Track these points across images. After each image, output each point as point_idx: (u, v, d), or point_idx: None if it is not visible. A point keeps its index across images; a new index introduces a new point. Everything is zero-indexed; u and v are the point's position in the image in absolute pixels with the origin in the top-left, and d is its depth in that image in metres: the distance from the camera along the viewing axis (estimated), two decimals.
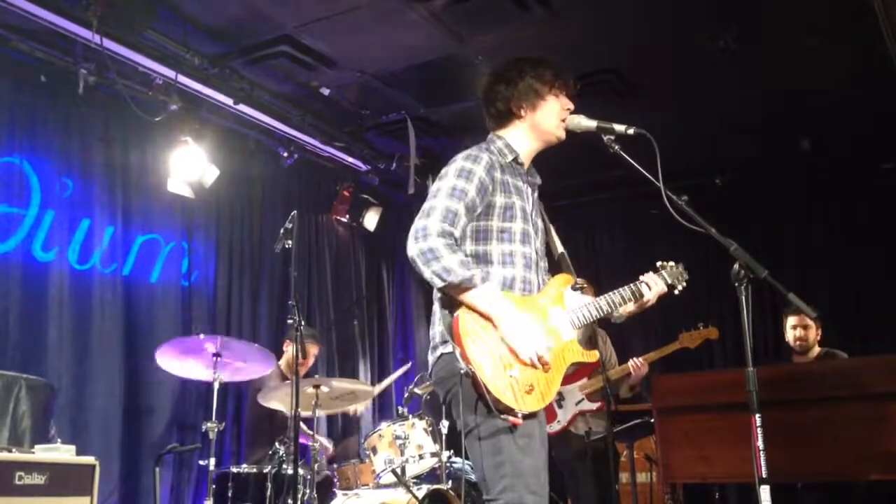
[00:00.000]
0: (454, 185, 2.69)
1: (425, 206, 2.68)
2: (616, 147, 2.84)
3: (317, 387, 5.00)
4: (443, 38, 5.54)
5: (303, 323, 4.80)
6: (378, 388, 6.50)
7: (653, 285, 3.04)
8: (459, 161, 2.77)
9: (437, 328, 2.76)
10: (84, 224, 5.70)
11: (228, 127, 6.47)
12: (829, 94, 6.37)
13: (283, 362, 6.03)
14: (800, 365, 5.68)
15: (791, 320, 5.75)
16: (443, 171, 2.78)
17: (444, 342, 2.70)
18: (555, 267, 3.01)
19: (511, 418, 2.54)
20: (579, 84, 3.07)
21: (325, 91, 6.31)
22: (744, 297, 2.52)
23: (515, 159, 2.90)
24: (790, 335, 5.76)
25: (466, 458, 2.80)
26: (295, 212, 4.83)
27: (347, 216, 7.96)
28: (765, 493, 2.45)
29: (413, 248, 2.59)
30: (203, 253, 6.59)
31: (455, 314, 2.60)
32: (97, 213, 5.79)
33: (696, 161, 7.34)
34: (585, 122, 2.90)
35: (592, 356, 2.90)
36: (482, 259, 2.75)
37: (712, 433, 4.59)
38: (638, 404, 6.08)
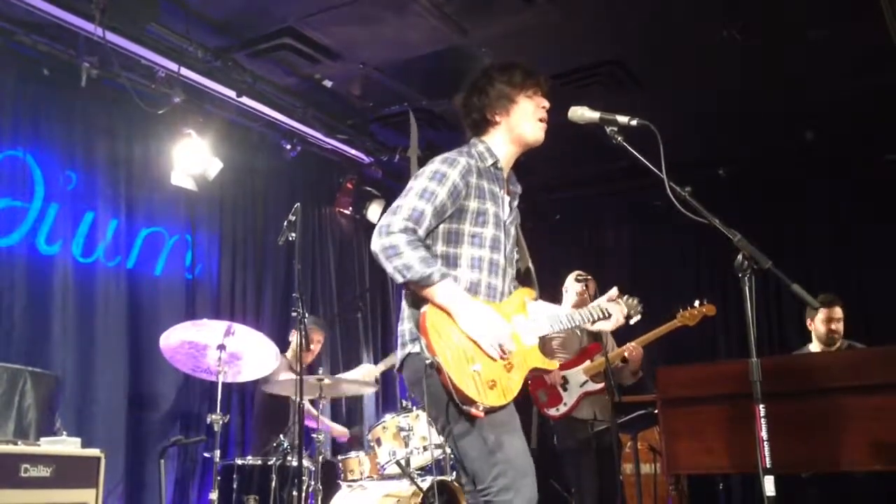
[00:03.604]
0: (426, 186, 2.73)
1: (394, 203, 2.73)
2: (619, 138, 2.83)
3: (320, 380, 5.02)
4: (446, 29, 5.53)
5: (307, 314, 4.81)
6: (381, 367, 6.45)
7: (613, 314, 3.12)
8: (436, 163, 2.81)
9: (405, 325, 2.80)
10: (88, 217, 5.71)
11: (231, 120, 6.47)
12: (832, 86, 6.35)
13: (289, 353, 6.03)
14: (803, 356, 5.68)
15: (823, 313, 5.67)
16: (419, 171, 2.82)
17: (413, 340, 2.74)
18: (521, 281, 3.03)
19: (472, 410, 2.58)
20: (551, 81, 3.07)
21: (328, 83, 6.31)
22: (747, 288, 2.52)
23: (495, 164, 2.93)
24: (822, 328, 5.69)
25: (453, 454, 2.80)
26: (298, 204, 4.83)
27: (350, 208, 7.96)
28: (769, 483, 2.45)
29: (376, 244, 2.64)
30: (206, 246, 6.60)
31: (423, 310, 2.65)
32: (101, 206, 5.80)
33: (700, 152, 7.33)
34: (589, 114, 2.89)
35: (552, 364, 2.96)
36: (451, 261, 2.78)
37: (716, 424, 4.59)
38: (642, 395, 6.08)
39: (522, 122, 2.95)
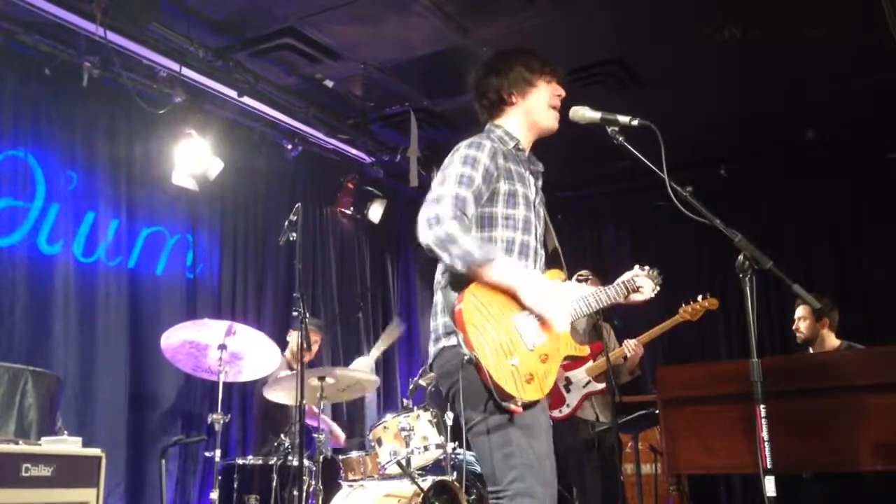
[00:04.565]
0: (461, 172, 2.68)
1: (432, 194, 2.67)
2: (620, 138, 2.84)
3: (322, 378, 5.02)
4: (446, 29, 5.53)
5: (307, 314, 4.81)
6: (375, 353, 6.42)
7: (645, 285, 3.16)
8: (463, 149, 2.77)
9: (439, 319, 2.76)
10: (89, 217, 5.71)
11: (233, 119, 6.48)
12: (834, 84, 6.35)
13: (287, 352, 6.04)
14: (804, 355, 5.68)
15: (796, 311, 5.72)
16: (447, 161, 2.78)
17: (448, 334, 2.70)
18: (549, 261, 3.01)
19: (512, 406, 2.55)
20: (567, 75, 3.07)
21: (329, 83, 6.31)
22: (748, 288, 2.52)
23: (517, 146, 2.91)
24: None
25: (469, 450, 2.78)
26: (299, 204, 4.82)
27: (352, 208, 7.97)
28: (770, 483, 2.45)
29: (428, 235, 2.58)
30: (208, 246, 6.60)
31: (458, 305, 2.60)
32: (102, 205, 5.80)
33: (701, 152, 7.33)
34: (589, 114, 2.89)
35: (583, 350, 2.93)
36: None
37: (717, 424, 4.60)
38: (643, 395, 6.08)
39: (538, 106, 2.94)
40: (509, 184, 2.79)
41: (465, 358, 2.56)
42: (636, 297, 3.13)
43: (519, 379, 2.58)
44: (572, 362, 5.51)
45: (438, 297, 2.77)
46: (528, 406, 2.59)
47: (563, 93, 2.98)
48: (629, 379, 5.60)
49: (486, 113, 3.00)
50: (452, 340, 2.66)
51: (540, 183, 3.00)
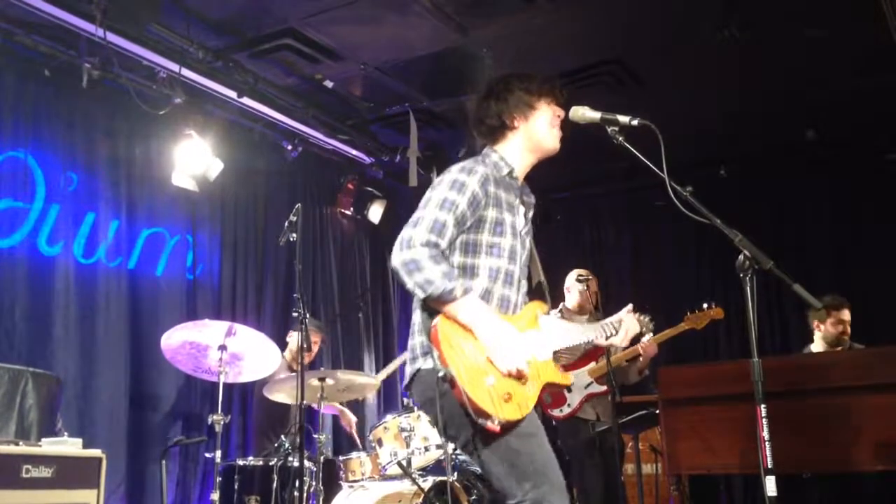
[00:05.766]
0: (446, 196, 2.66)
1: (414, 216, 2.67)
2: (620, 138, 2.83)
3: (322, 379, 5.02)
4: (446, 29, 5.53)
5: (307, 315, 4.81)
6: (382, 375, 6.51)
7: (621, 330, 3.07)
8: (454, 172, 2.75)
9: (416, 338, 2.75)
10: (89, 218, 5.71)
11: (232, 120, 6.47)
12: (834, 84, 6.35)
13: (287, 353, 6.04)
14: (805, 356, 5.67)
15: (833, 316, 5.64)
16: (436, 181, 2.76)
17: (425, 354, 2.69)
18: (532, 294, 2.98)
19: (488, 424, 2.51)
20: (566, 81, 3.05)
21: (329, 84, 6.31)
22: (748, 288, 2.52)
23: (510, 173, 2.89)
24: (832, 330, 5.66)
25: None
26: (299, 205, 4.82)
27: (352, 209, 7.97)
28: (770, 483, 2.45)
29: (397, 258, 2.57)
30: (208, 246, 6.60)
31: (434, 323, 2.59)
32: (102, 206, 5.81)
33: (701, 152, 7.33)
34: (590, 114, 2.88)
35: (567, 378, 2.91)
36: (469, 272, 2.73)
37: (717, 424, 4.60)
38: (643, 395, 6.08)
39: (541, 128, 2.91)
40: (497, 212, 2.76)
41: (441, 374, 2.54)
42: (614, 341, 3.08)
43: (496, 397, 2.54)
44: (574, 362, 5.52)
45: (416, 317, 2.76)
46: (507, 425, 2.56)
47: (563, 113, 2.96)
48: (638, 378, 5.58)
49: (485, 139, 2.97)
50: (429, 362, 2.65)
51: (531, 214, 2.97)
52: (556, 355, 2.90)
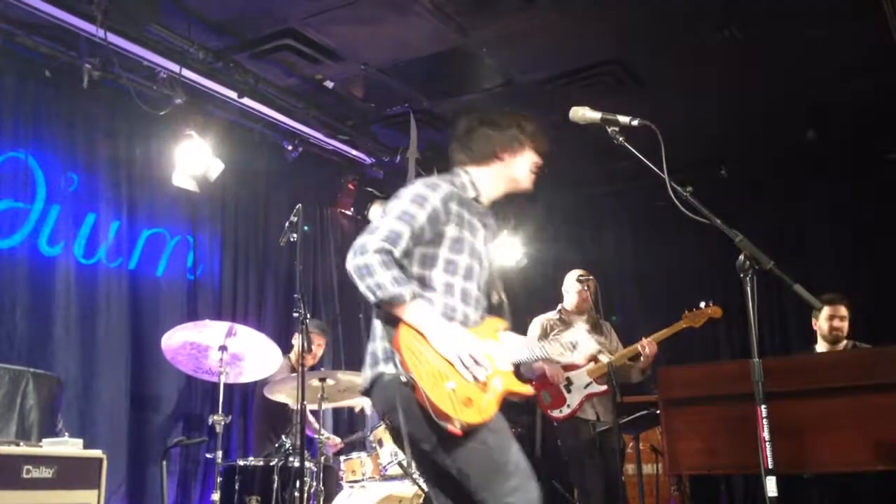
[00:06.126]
0: (406, 209, 2.73)
1: (372, 224, 2.75)
2: (621, 139, 2.83)
3: (322, 380, 5.02)
4: (447, 30, 5.53)
5: (308, 316, 4.81)
6: None
7: (586, 349, 3.15)
8: (418, 186, 2.83)
9: (378, 343, 2.79)
10: (90, 218, 5.72)
11: (233, 121, 6.47)
12: (834, 84, 6.35)
13: (292, 355, 6.03)
14: (806, 356, 5.67)
15: (826, 311, 5.67)
16: (399, 192, 2.83)
17: (387, 359, 2.72)
18: (492, 313, 3.01)
19: (450, 427, 2.55)
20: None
21: (330, 84, 6.31)
22: (749, 288, 2.52)
23: (476, 198, 2.97)
24: (825, 325, 5.68)
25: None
26: (300, 205, 4.83)
27: (352, 209, 7.97)
28: (771, 484, 2.45)
29: (350, 263, 2.65)
30: (208, 247, 6.61)
31: (397, 328, 2.65)
32: (102, 207, 5.81)
33: (701, 152, 7.32)
34: (590, 114, 2.88)
35: (526, 389, 2.91)
36: (426, 284, 2.78)
37: (718, 424, 4.59)
38: (644, 396, 6.08)
39: (522, 169, 3.04)
40: (458, 230, 2.83)
41: (402, 380, 2.59)
42: (572, 359, 3.18)
43: (456, 401, 2.58)
44: (573, 364, 5.52)
45: (377, 323, 2.80)
46: (468, 429, 2.59)
47: (541, 162, 3.09)
48: (641, 378, 5.58)
49: (465, 157, 3.04)
50: (391, 367, 2.69)
51: (491, 238, 3.04)
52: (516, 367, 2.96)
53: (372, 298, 2.64)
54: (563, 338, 3.14)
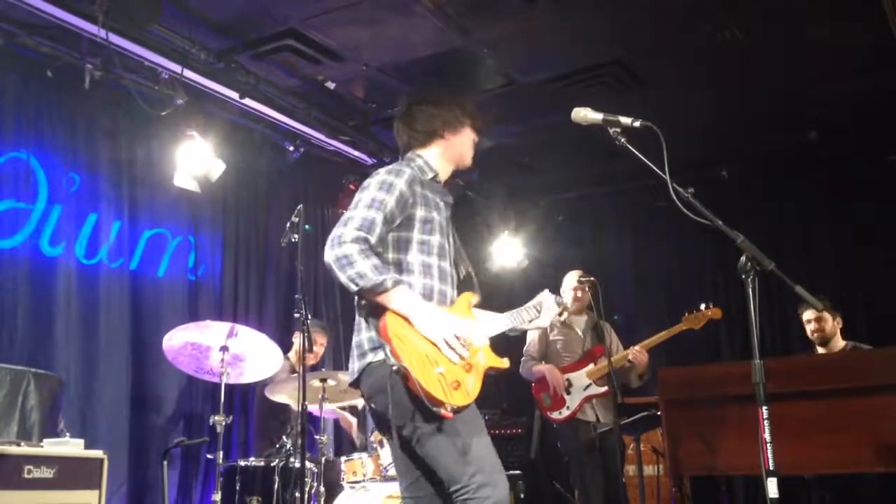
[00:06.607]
0: (374, 196, 2.79)
1: (345, 216, 2.78)
2: (622, 140, 2.83)
3: (323, 380, 5.02)
4: (448, 30, 5.54)
5: (309, 316, 4.81)
6: None
7: (543, 311, 3.27)
8: (382, 174, 2.89)
9: (364, 334, 2.83)
10: (91, 219, 5.72)
11: (234, 121, 6.47)
12: (832, 86, 6.35)
13: (292, 354, 6.03)
14: (807, 357, 5.67)
15: (805, 315, 5.70)
16: (365, 183, 2.88)
17: (375, 349, 2.77)
18: (462, 286, 3.08)
19: (443, 411, 2.61)
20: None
21: (331, 85, 6.31)
22: (750, 290, 2.52)
23: (434, 177, 3.04)
24: (808, 329, 5.71)
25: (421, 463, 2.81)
26: (301, 206, 4.83)
27: None
28: (772, 485, 2.45)
29: (329, 255, 2.68)
30: (209, 247, 6.61)
31: (383, 317, 2.68)
32: (104, 207, 5.81)
33: (702, 153, 7.32)
34: (592, 115, 2.89)
35: (502, 362, 2.99)
36: (403, 268, 2.84)
37: (719, 426, 4.60)
38: (645, 397, 6.08)
39: (463, 144, 3.13)
40: (426, 210, 2.90)
41: (394, 368, 2.62)
42: (537, 323, 3.29)
43: (446, 386, 2.65)
44: (573, 364, 5.52)
45: (362, 314, 2.84)
46: (458, 411, 2.66)
47: (478, 140, 3.19)
48: (640, 383, 5.59)
49: (411, 140, 3.11)
50: (380, 355, 2.73)
51: (449, 213, 3.10)
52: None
53: (353, 288, 2.67)
54: (529, 304, 3.26)
